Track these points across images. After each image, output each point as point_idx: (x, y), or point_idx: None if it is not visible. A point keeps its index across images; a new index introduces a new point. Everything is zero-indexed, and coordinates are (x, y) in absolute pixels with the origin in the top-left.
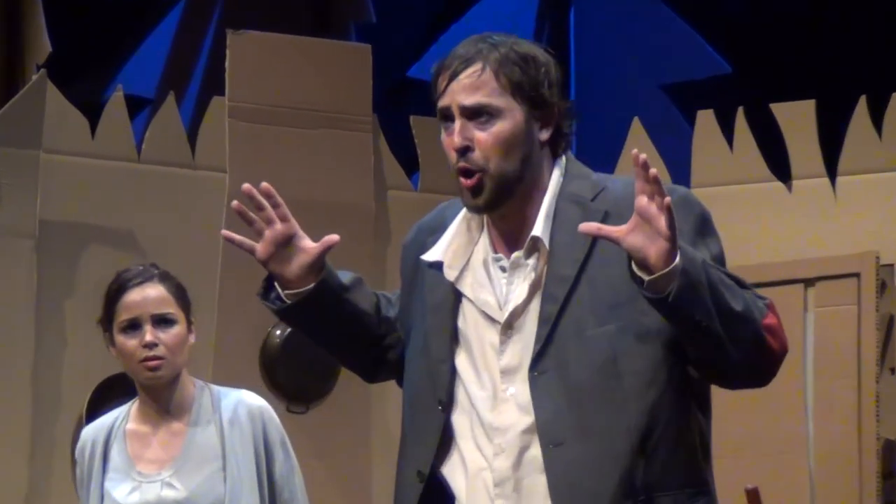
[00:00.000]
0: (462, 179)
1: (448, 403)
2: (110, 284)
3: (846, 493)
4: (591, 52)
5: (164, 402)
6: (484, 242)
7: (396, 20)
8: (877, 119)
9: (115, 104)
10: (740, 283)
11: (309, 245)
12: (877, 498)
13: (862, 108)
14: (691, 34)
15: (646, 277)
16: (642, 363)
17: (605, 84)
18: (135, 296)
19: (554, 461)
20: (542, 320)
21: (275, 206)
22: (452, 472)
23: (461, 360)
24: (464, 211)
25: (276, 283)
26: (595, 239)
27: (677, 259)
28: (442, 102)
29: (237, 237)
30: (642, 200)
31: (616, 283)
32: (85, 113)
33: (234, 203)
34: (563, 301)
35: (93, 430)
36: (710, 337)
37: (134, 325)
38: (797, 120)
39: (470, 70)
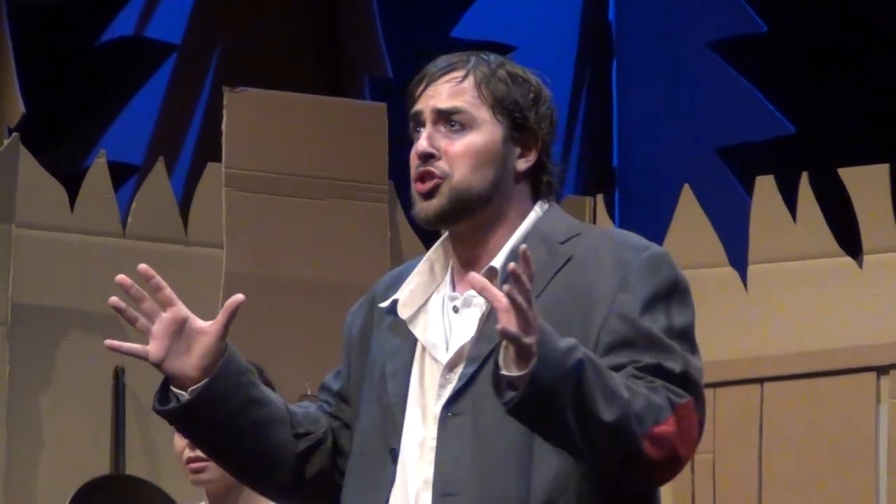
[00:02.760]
0: (416, 184)
1: (397, 452)
2: None
3: None
4: (636, 109)
5: None
6: (446, 284)
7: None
8: None
9: (98, 172)
10: (651, 380)
11: (205, 325)
12: None
13: None
14: (750, 90)
15: (508, 373)
16: None
17: (652, 146)
18: None
19: None
20: (469, 359)
21: (156, 288)
22: None
23: (412, 407)
24: (428, 253)
25: (169, 386)
26: (551, 280)
27: (532, 365)
28: (415, 108)
29: (124, 345)
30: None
31: (560, 330)
32: (63, 182)
33: (112, 299)
34: (498, 341)
35: None
36: (570, 448)
37: None
38: (869, 187)
39: (450, 76)
